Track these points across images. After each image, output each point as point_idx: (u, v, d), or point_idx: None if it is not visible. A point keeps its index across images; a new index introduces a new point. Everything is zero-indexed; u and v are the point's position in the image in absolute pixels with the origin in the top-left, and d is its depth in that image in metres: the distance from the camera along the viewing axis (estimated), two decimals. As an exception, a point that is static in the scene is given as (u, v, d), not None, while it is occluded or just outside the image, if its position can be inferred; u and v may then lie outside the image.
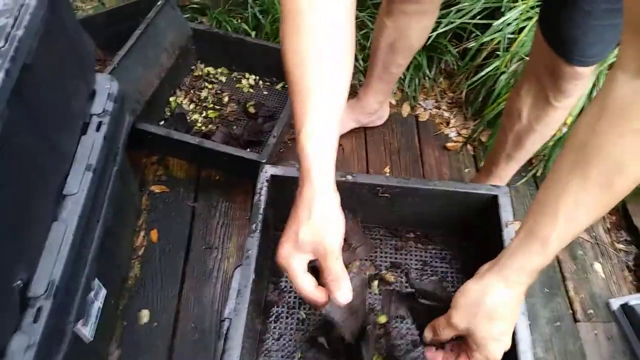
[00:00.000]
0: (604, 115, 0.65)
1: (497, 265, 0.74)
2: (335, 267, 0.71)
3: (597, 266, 1.44)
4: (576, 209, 0.67)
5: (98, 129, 1.10)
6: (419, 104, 1.79)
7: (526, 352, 0.82)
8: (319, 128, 0.72)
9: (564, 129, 1.46)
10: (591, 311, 1.35)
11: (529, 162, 1.64)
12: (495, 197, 1.00)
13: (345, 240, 0.83)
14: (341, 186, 1.00)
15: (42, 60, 0.91)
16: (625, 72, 0.62)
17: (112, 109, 1.14)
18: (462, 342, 0.79)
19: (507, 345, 0.75)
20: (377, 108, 1.63)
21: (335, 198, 0.75)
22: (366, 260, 1.06)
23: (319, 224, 0.70)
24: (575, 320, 1.34)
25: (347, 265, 0.87)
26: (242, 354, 0.83)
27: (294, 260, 0.72)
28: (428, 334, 0.83)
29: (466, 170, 1.64)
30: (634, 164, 0.63)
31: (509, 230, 0.96)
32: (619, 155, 0.63)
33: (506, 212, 0.98)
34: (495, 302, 0.73)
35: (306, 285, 0.73)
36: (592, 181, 0.65)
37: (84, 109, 1.10)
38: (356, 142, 1.68)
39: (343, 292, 0.71)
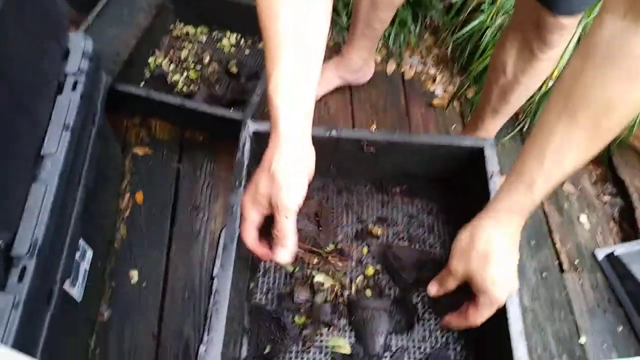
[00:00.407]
0: (590, 58, 0.64)
1: (487, 209, 0.75)
2: (284, 224, 0.70)
3: (583, 218, 1.45)
4: (563, 151, 0.67)
5: (74, 88, 1.08)
6: (405, 61, 1.76)
7: (512, 298, 0.83)
8: (288, 80, 0.70)
9: (550, 83, 1.45)
10: (577, 262, 1.37)
11: (516, 117, 1.64)
12: (481, 150, 1.00)
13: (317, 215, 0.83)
14: (326, 142, 1.00)
15: (11, 19, 0.88)
16: (611, 14, 0.61)
17: (87, 67, 1.11)
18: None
19: (511, 287, 0.76)
20: (361, 65, 1.60)
21: (305, 160, 0.74)
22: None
23: (279, 177, 0.69)
24: (562, 271, 1.36)
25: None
26: (231, 308, 0.84)
27: (250, 210, 0.73)
28: (433, 288, 0.85)
29: (453, 127, 1.63)
30: (621, 105, 0.63)
31: (495, 182, 0.96)
32: (606, 98, 0.63)
33: (492, 165, 0.98)
34: (487, 243, 0.73)
35: (248, 238, 0.75)
36: (579, 124, 0.65)
37: (58, 68, 1.07)
38: (342, 101, 1.66)
39: (284, 251, 0.72)
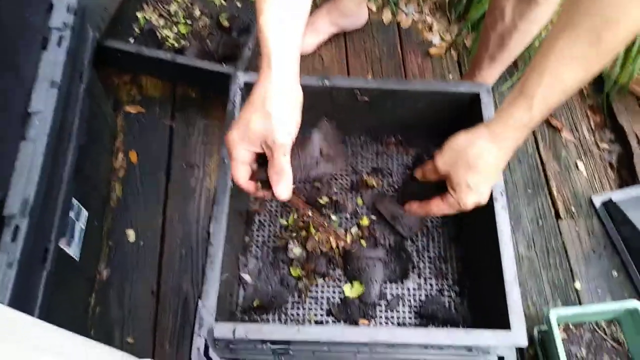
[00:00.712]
0: None
1: (489, 121, 0.77)
2: (281, 162, 0.70)
3: (581, 165, 1.44)
4: (563, 64, 0.67)
5: (59, 44, 1.05)
6: (401, 9, 1.71)
7: (507, 243, 0.83)
8: (279, 13, 0.68)
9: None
10: (573, 209, 1.37)
11: (514, 66, 1.60)
12: (477, 95, 0.98)
13: (321, 150, 0.81)
14: (319, 92, 0.98)
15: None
16: None
17: (72, 22, 1.08)
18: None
19: (480, 198, 0.79)
20: (354, 9, 1.56)
21: (296, 91, 0.72)
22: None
23: (274, 114, 0.67)
24: (558, 218, 1.36)
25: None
26: (225, 261, 0.84)
27: (239, 148, 0.70)
28: (418, 174, 0.89)
29: (450, 76, 1.60)
30: (624, 18, 0.63)
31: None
32: (609, 11, 0.62)
33: (488, 111, 0.96)
34: (477, 153, 0.76)
35: (240, 176, 0.73)
36: (580, 37, 0.65)
37: (42, 21, 1.04)
38: (336, 50, 1.62)
39: (282, 187, 0.71)
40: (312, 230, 0.94)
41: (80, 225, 1.16)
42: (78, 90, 1.11)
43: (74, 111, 1.08)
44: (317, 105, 1.01)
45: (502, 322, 0.78)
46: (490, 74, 1.37)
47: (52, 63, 1.02)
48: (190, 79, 1.46)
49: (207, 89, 1.49)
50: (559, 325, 1.14)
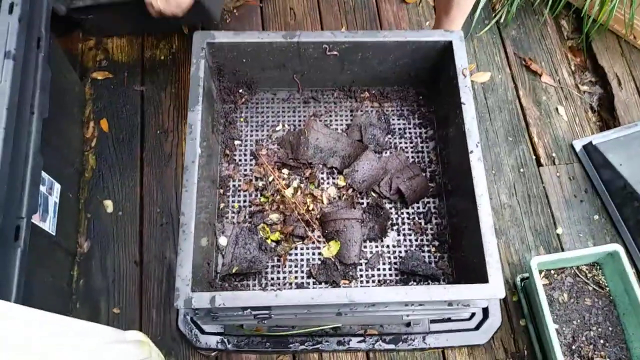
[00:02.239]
0: None
1: None
2: None
3: (561, 110, 1.42)
4: None
5: (10, 11, 0.99)
6: (374, -44, 1.64)
7: (483, 195, 0.82)
8: None
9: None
10: (554, 155, 1.36)
11: (493, 9, 1.56)
12: (449, 44, 0.94)
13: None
14: (286, 49, 0.94)
15: None
16: None
17: (23, -13, 1.02)
18: None
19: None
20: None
21: None
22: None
23: None
24: (539, 165, 1.35)
25: None
26: (200, 228, 0.82)
27: None
28: None
29: (427, 23, 1.55)
30: None
31: (465, 78, 0.92)
32: None
33: (461, 58, 0.93)
34: None
35: None
36: None
37: (-11, -11, 0.98)
38: (308, 3, 1.56)
39: None
40: (288, 194, 0.92)
41: (54, 199, 1.13)
42: (36, 60, 1.06)
43: (33, 82, 1.04)
44: (286, 63, 0.98)
45: (481, 275, 0.78)
46: (458, 14, 1.31)
47: (4, 32, 0.96)
48: (157, 24, 1.38)
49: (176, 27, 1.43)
50: (540, 272, 1.15)
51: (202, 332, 1.16)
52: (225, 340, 1.14)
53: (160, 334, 1.17)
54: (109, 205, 1.28)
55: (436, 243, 0.94)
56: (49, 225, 1.10)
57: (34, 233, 0.99)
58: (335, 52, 0.94)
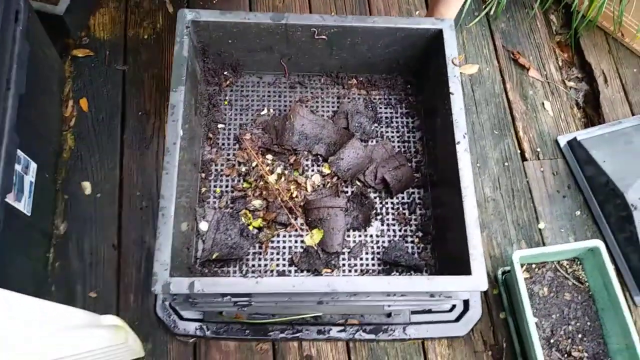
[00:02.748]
0: None
1: None
2: None
3: (547, 105, 1.42)
4: None
5: (-13, -19, 0.95)
6: (365, -58, 1.62)
7: (469, 187, 0.81)
8: None
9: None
10: (539, 149, 1.36)
11: (483, 0, 1.55)
12: (440, 32, 0.93)
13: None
14: (274, 32, 0.92)
15: None
16: None
17: (0, -44, 0.98)
18: None
19: None
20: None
21: None
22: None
23: None
24: (523, 160, 1.35)
25: None
26: (180, 212, 0.80)
27: None
28: None
29: (417, 12, 1.53)
30: None
31: (454, 67, 0.90)
32: None
33: (451, 48, 0.92)
34: None
35: None
36: None
37: (-35, -44, 0.94)
38: (297, -11, 1.53)
39: None
40: (271, 180, 0.91)
41: (30, 178, 1.10)
42: (14, 33, 1.02)
43: (10, 56, 1.00)
44: (273, 45, 0.96)
45: (464, 267, 0.77)
46: (450, 6, 1.31)
47: (-21, 3, 0.93)
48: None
49: None
50: (522, 266, 1.16)
51: (181, 318, 1.14)
52: (204, 326, 1.13)
53: (137, 319, 1.15)
54: (87, 186, 1.25)
55: (420, 234, 0.93)
56: (24, 205, 1.07)
57: (8, 213, 0.96)
58: (324, 37, 0.92)
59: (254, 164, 0.95)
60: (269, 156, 0.96)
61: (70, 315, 0.81)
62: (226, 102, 1.03)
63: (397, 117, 1.02)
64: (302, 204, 0.92)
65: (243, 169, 0.95)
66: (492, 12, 1.52)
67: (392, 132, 1.02)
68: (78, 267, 1.19)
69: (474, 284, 0.74)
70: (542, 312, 1.13)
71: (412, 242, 0.92)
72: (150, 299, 1.17)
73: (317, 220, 0.90)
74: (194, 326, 1.13)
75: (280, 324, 1.10)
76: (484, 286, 0.74)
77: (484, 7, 1.52)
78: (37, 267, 1.15)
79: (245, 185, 0.94)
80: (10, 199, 1.00)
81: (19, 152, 1.04)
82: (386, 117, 1.02)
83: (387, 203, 0.95)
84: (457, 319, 1.15)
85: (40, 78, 1.20)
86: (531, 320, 1.03)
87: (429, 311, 1.16)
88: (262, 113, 1.02)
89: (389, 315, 1.14)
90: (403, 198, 0.97)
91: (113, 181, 1.26)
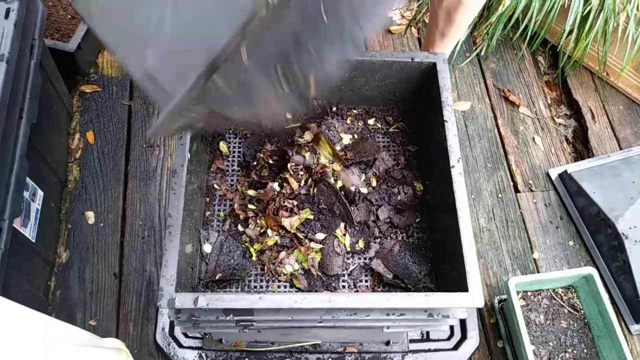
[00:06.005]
0: None
1: None
2: None
3: (538, 140, 1.47)
4: None
5: (7, 16, 1.01)
6: (361, -12, 1.71)
7: (464, 208, 0.84)
8: None
9: (507, 1, 1.43)
10: (531, 182, 1.40)
11: (474, 42, 1.63)
12: (433, 65, 0.98)
13: None
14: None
15: None
16: None
17: (20, -6, 1.04)
18: None
19: None
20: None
21: None
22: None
23: None
24: (516, 191, 1.39)
25: None
26: (185, 234, 0.83)
27: None
28: None
29: (411, 54, 1.61)
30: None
31: (447, 97, 0.95)
32: None
33: (444, 80, 0.97)
34: None
35: None
36: None
37: (-12, -6, 1.00)
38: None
39: None
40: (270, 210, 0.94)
41: (36, 206, 1.13)
42: (29, 65, 1.07)
43: (24, 86, 1.05)
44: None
45: (461, 286, 0.79)
46: (442, 49, 1.38)
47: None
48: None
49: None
50: (518, 293, 1.17)
51: (180, 346, 1.14)
52: (204, 354, 1.13)
53: (137, 347, 1.15)
54: (90, 216, 1.27)
55: (418, 257, 0.95)
56: (29, 231, 1.09)
57: (14, 238, 0.99)
58: (325, 69, 0.98)
59: (252, 193, 0.98)
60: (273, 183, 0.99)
61: (73, 334, 0.82)
62: (231, 131, 1.07)
63: (394, 146, 1.07)
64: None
65: (251, 192, 0.98)
66: (482, 53, 1.60)
67: (390, 161, 1.06)
68: (79, 295, 1.20)
69: (471, 300, 0.76)
70: (539, 340, 1.14)
71: (412, 263, 0.95)
72: (149, 327, 1.18)
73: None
74: (193, 354, 1.13)
75: (280, 352, 1.11)
76: (481, 303, 0.76)
77: (474, 48, 1.60)
78: (38, 294, 1.16)
79: (248, 210, 0.97)
80: (17, 223, 1.02)
81: (28, 179, 1.07)
82: (384, 146, 1.07)
83: (386, 228, 0.98)
84: (455, 347, 1.16)
85: (49, 110, 1.25)
86: (529, 347, 1.04)
87: (427, 339, 1.17)
88: (266, 144, 1.06)
89: (387, 343, 1.15)
90: (401, 222, 0.99)
91: (116, 211, 1.29)
